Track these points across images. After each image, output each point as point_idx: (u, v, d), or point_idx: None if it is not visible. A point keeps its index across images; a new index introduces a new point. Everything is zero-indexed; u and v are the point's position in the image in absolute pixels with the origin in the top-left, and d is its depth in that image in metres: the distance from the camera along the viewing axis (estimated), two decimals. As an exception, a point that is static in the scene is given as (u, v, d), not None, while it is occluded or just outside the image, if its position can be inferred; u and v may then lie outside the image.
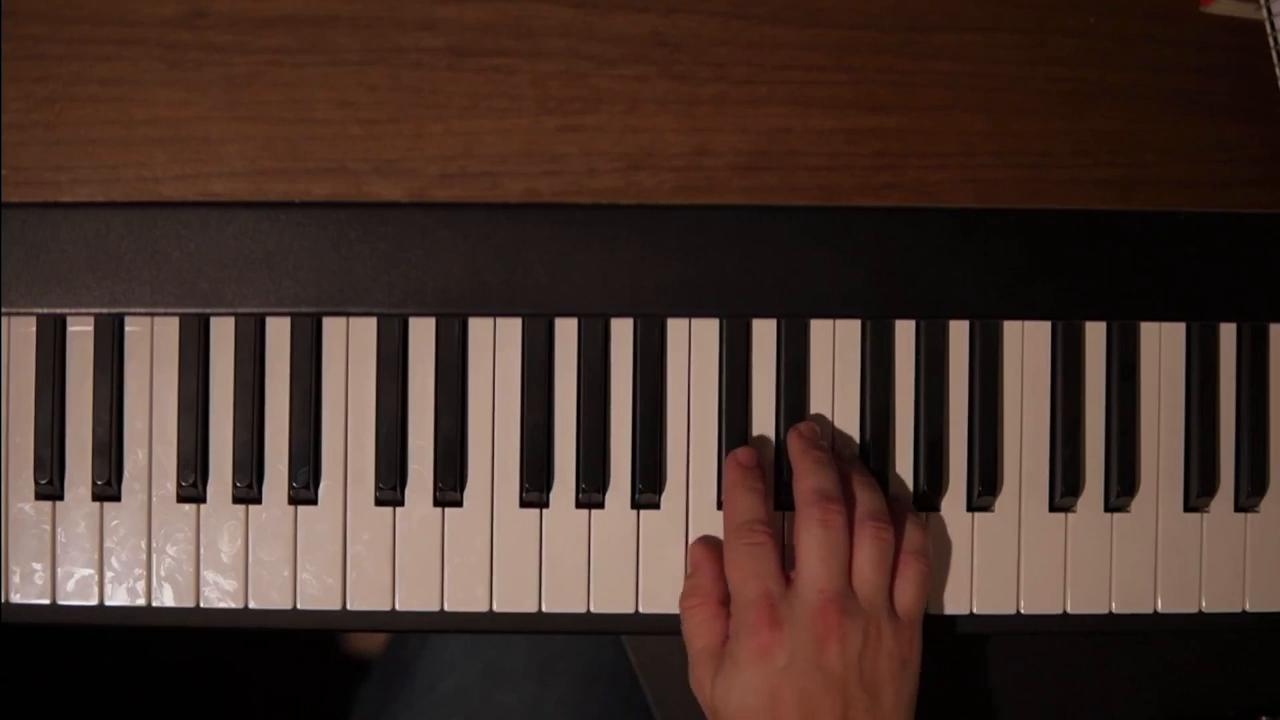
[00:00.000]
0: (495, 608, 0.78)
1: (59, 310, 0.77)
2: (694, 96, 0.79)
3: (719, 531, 0.78)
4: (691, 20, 0.79)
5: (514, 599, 0.78)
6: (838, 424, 0.79)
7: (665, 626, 0.78)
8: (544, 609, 0.78)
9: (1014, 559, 0.79)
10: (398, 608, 0.77)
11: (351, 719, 0.85)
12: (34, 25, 0.77)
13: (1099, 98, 0.80)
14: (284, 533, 0.78)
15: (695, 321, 0.79)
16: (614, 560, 0.78)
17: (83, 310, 0.77)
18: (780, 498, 0.78)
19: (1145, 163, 0.80)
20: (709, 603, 0.74)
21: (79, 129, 0.77)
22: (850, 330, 0.79)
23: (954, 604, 0.79)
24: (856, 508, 0.74)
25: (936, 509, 0.79)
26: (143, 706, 0.84)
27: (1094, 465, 0.79)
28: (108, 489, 0.77)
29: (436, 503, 0.78)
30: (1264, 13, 0.78)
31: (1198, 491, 0.79)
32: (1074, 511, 0.79)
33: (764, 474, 0.76)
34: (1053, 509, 0.79)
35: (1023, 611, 0.79)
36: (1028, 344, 0.80)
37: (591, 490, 0.78)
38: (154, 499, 0.77)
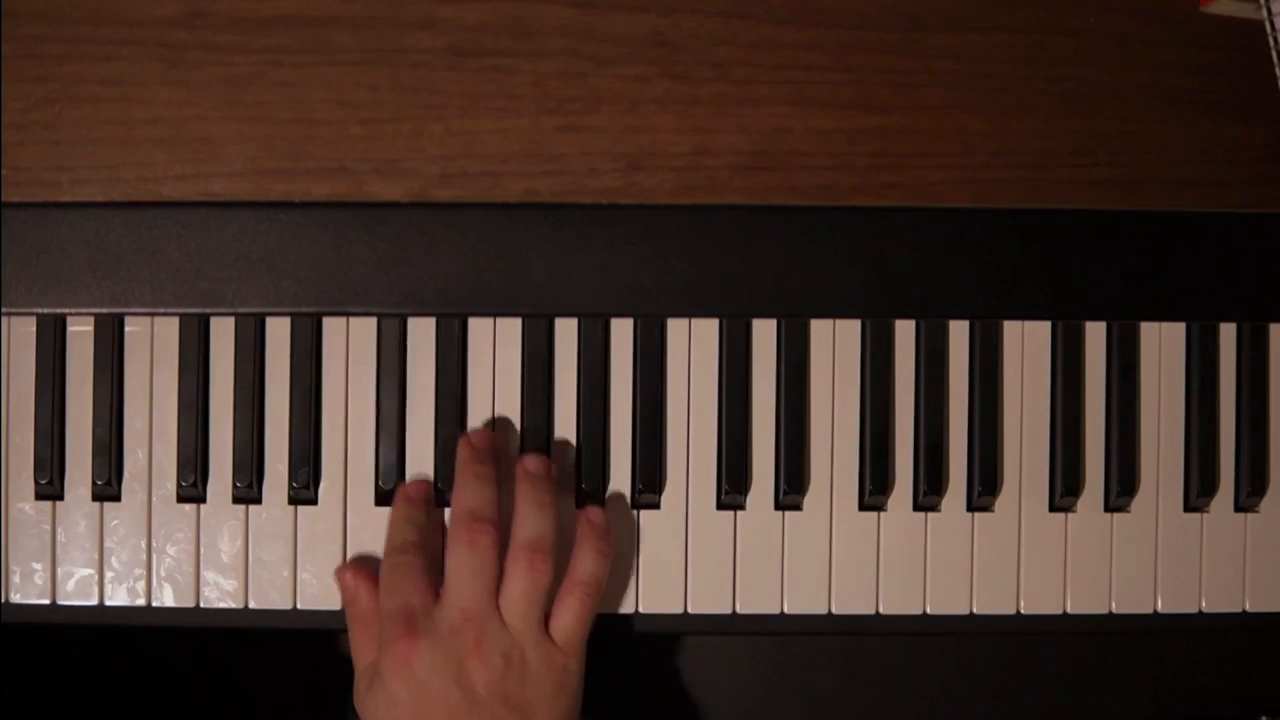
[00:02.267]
0: (495, 608, 0.78)
1: (59, 310, 0.77)
2: (694, 96, 0.79)
3: (719, 531, 0.78)
4: (691, 20, 0.79)
5: (514, 599, 0.78)
6: (838, 424, 0.79)
7: (665, 626, 0.78)
8: (544, 609, 0.78)
9: (1014, 559, 0.79)
10: (398, 608, 0.77)
11: (351, 719, 0.85)
12: (34, 25, 0.77)
13: (1099, 98, 0.80)
14: (284, 533, 0.78)
15: (695, 321, 0.79)
16: (613, 560, 0.78)
17: (83, 310, 0.77)
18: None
19: (1145, 163, 0.80)
20: (371, 623, 0.74)
21: (79, 129, 0.77)
22: (850, 330, 0.79)
23: (954, 604, 0.79)
24: (517, 534, 0.74)
25: (937, 509, 0.79)
26: (143, 706, 0.84)
27: (1094, 465, 0.79)
28: (108, 489, 0.77)
29: (436, 503, 0.78)
30: (1264, 13, 0.78)
31: (1198, 491, 0.79)
32: (1074, 511, 0.79)
33: (430, 505, 0.76)
34: (1053, 509, 0.79)
35: (1023, 611, 0.79)
36: (1028, 344, 0.80)
37: (591, 490, 0.78)
38: (154, 499, 0.77)
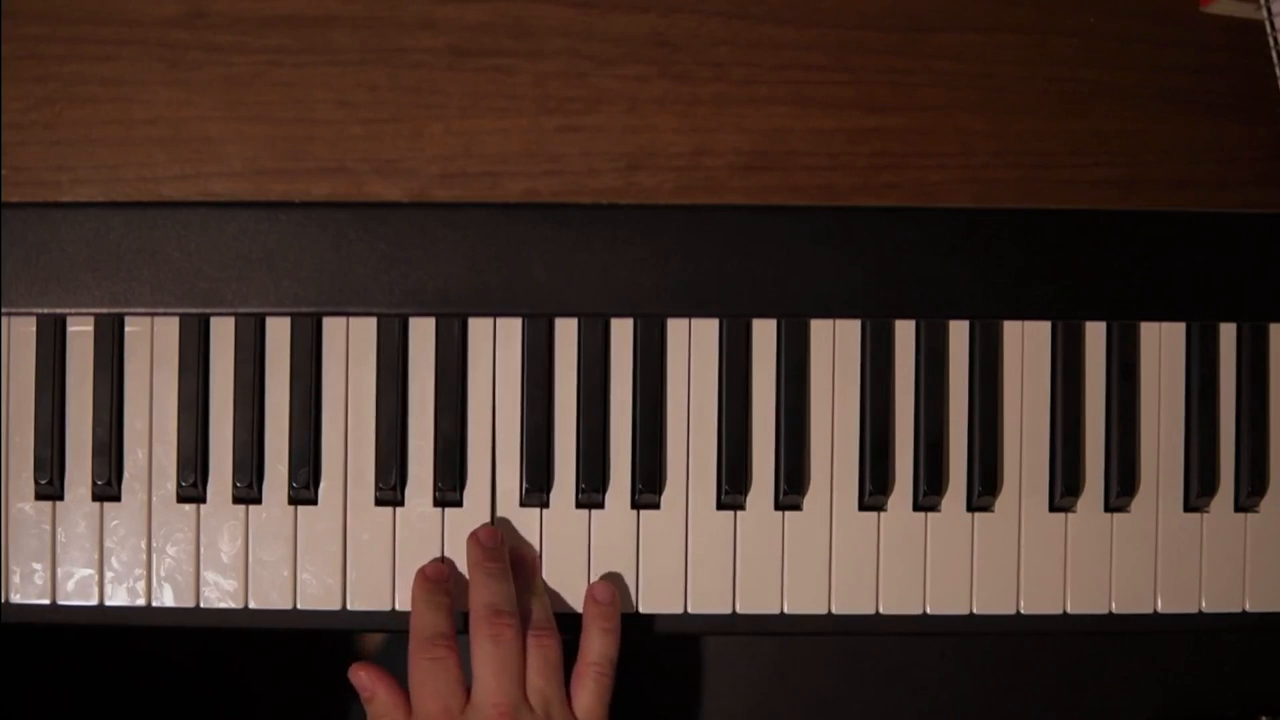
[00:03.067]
0: (495, 608, 0.78)
1: (59, 310, 0.77)
2: (694, 96, 0.79)
3: (719, 531, 0.78)
4: (691, 20, 0.79)
5: (514, 599, 0.78)
6: (838, 424, 0.79)
7: (664, 627, 0.78)
8: (544, 609, 0.78)
9: (1014, 559, 0.79)
10: (397, 608, 0.77)
11: (351, 719, 0.85)
12: (34, 25, 0.77)
13: (1099, 98, 0.80)
14: (284, 533, 0.78)
15: (695, 321, 0.79)
16: (613, 560, 0.78)
17: (83, 310, 0.77)
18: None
19: (1145, 163, 0.80)
20: (397, 714, 0.75)
21: (79, 129, 0.77)
22: (850, 330, 0.79)
23: (954, 604, 0.79)
24: (527, 620, 0.75)
25: (937, 509, 0.79)
26: (143, 707, 0.84)
27: (1094, 465, 0.79)
28: (108, 489, 0.77)
29: (436, 503, 0.78)
30: (1264, 13, 0.78)
31: (1198, 491, 0.79)
32: (1074, 511, 0.79)
33: (450, 586, 0.77)
34: (1053, 509, 0.79)
35: (1023, 611, 0.79)
36: (1028, 344, 0.80)
37: (591, 490, 0.78)
38: (154, 499, 0.77)
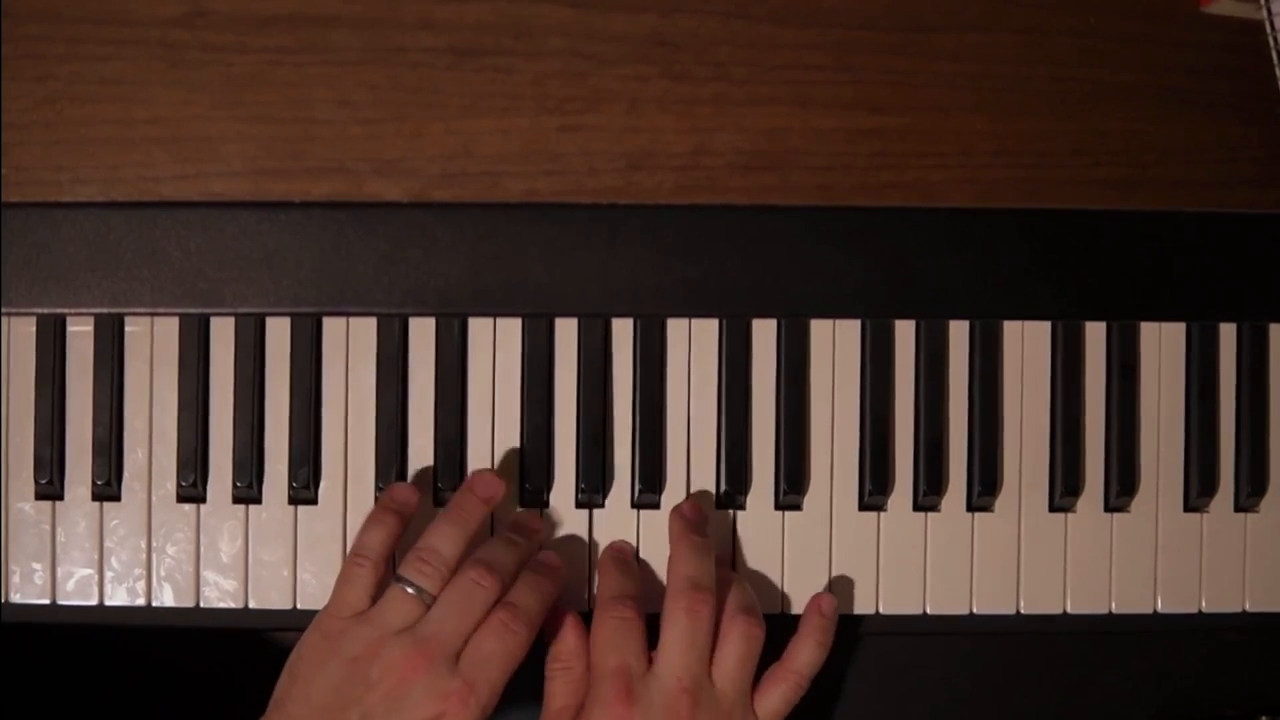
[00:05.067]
0: (495, 608, 0.78)
1: (59, 310, 0.77)
2: (694, 96, 0.79)
3: (719, 531, 0.78)
4: (691, 20, 0.79)
5: (514, 599, 0.78)
6: (838, 424, 0.79)
7: (665, 626, 0.78)
8: (544, 609, 0.78)
9: (1014, 559, 0.79)
10: (398, 608, 0.77)
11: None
12: (34, 25, 0.77)
13: (1099, 98, 0.80)
14: (284, 533, 0.78)
15: (695, 321, 0.79)
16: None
17: (83, 310, 0.77)
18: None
19: (1145, 163, 0.80)
20: (577, 665, 0.74)
21: (79, 129, 0.77)
22: (850, 330, 0.79)
23: (954, 604, 0.79)
24: (731, 601, 0.74)
25: (937, 509, 0.79)
26: (143, 707, 0.84)
27: (1094, 465, 0.79)
28: (108, 489, 0.77)
29: (437, 503, 0.78)
30: (1264, 13, 0.78)
31: (1198, 491, 0.79)
32: (1074, 511, 0.79)
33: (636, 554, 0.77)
34: (1053, 509, 0.79)
35: (1023, 611, 0.79)
36: (1028, 344, 0.80)
37: (591, 490, 0.78)
38: (154, 499, 0.77)
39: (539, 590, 0.72)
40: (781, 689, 0.73)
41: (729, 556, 0.78)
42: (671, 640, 0.72)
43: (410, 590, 0.70)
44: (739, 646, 0.72)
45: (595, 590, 0.77)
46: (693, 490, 0.78)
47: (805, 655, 0.74)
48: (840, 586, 0.78)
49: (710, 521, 0.78)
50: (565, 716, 0.73)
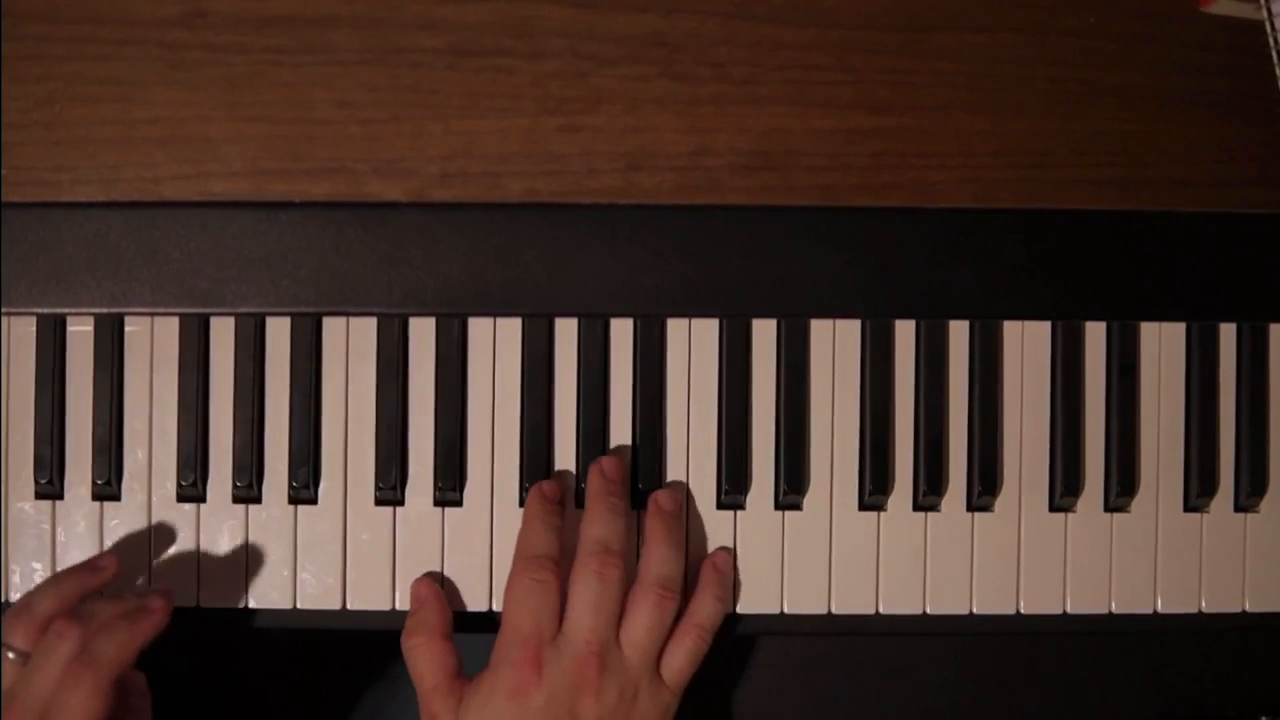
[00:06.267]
0: (495, 607, 0.78)
1: (59, 310, 0.77)
2: (694, 96, 0.79)
3: (719, 531, 0.78)
4: (691, 20, 0.79)
5: (514, 599, 0.78)
6: (838, 424, 0.79)
7: (665, 626, 0.78)
8: (544, 609, 0.78)
9: (1014, 559, 0.79)
10: (397, 607, 0.77)
11: (351, 719, 0.85)
12: (34, 25, 0.77)
13: (1099, 98, 0.80)
14: (284, 533, 0.78)
15: (695, 321, 0.79)
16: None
17: (83, 310, 0.77)
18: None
19: (1145, 163, 0.80)
20: (435, 638, 0.74)
21: (79, 129, 0.77)
22: (850, 330, 0.79)
23: (954, 604, 0.79)
24: (648, 567, 0.74)
25: (937, 509, 0.79)
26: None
27: (1094, 465, 0.79)
28: (108, 489, 0.77)
29: (436, 502, 0.78)
30: (1264, 13, 0.78)
31: (1198, 491, 0.79)
32: (1074, 511, 0.79)
33: (564, 508, 0.76)
34: (1053, 509, 0.79)
35: (1023, 611, 0.79)
36: (1028, 344, 0.80)
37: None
38: (154, 499, 0.77)
39: (117, 637, 0.69)
40: (685, 644, 0.74)
41: (729, 556, 0.78)
42: (580, 601, 0.73)
43: (10, 655, 0.69)
44: (648, 614, 0.73)
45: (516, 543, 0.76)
46: (692, 490, 0.78)
47: (706, 609, 0.75)
48: (840, 586, 0.78)
49: (711, 522, 0.78)
50: (443, 692, 0.73)
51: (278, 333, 0.78)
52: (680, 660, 0.74)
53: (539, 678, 0.71)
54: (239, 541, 0.77)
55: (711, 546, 0.78)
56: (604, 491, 0.75)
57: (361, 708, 0.81)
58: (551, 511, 0.75)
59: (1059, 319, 0.79)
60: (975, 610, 0.79)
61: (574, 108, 0.78)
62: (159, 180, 0.78)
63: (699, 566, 0.77)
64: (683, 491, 0.78)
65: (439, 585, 0.76)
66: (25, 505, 0.77)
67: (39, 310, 0.77)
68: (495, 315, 0.78)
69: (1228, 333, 0.80)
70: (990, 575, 0.79)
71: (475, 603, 0.78)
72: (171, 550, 0.77)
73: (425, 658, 0.74)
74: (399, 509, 0.78)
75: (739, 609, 0.78)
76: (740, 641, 0.86)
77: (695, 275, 0.78)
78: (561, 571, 0.74)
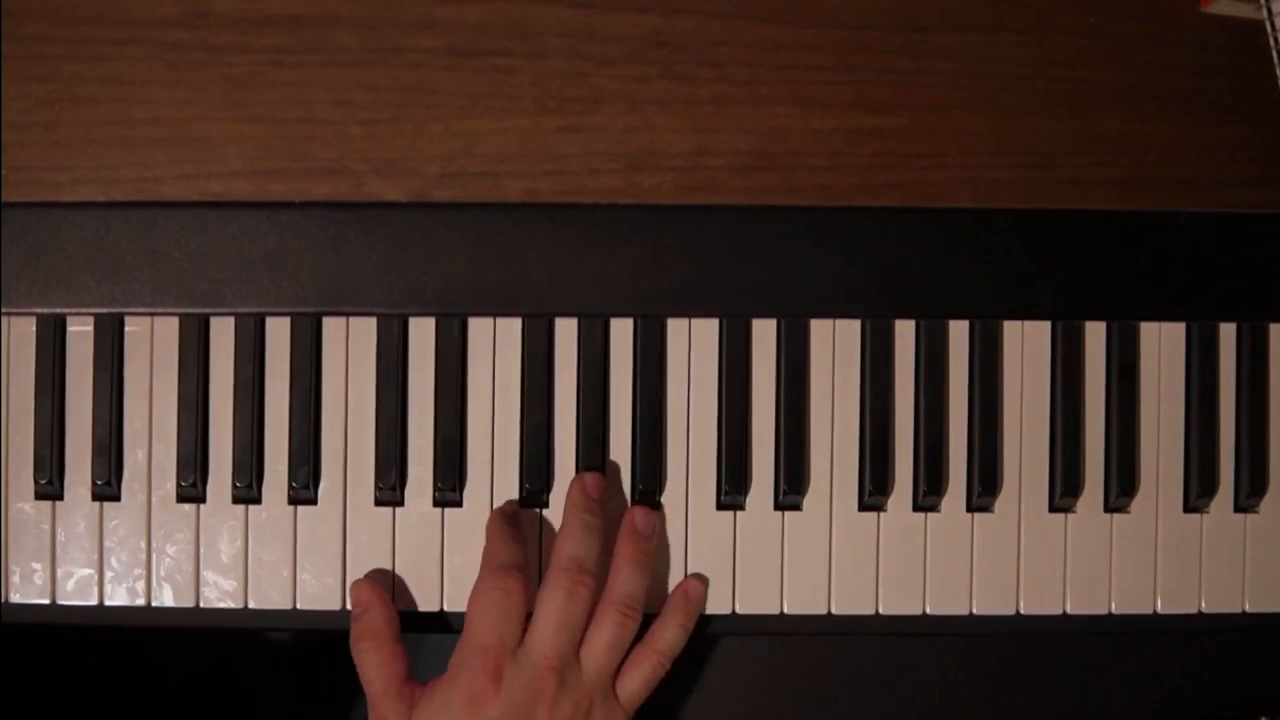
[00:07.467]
0: (495, 608, 0.78)
1: (59, 310, 0.77)
2: (694, 96, 0.79)
3: (719, 531, 0.78)
4: (691, 20, 0.79)
5: (514, 599, 0.78)
6: (838, 424, 0.79)
7: (665, 626, 0.78)
8: (544, 609, 0.78)
9: (1014, 559, 0.79)
10: (397, 607, 0.77)
11: (351, 719, 0.85)
12: (34, 25, 0.77)
13: (1099, 98, 0.80)
14: (284, 533, 0.78)
15: (695, 321, 0.79)
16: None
17: (83, 310, 0.77)
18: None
19: (1145, 163, 0.80)
20: (385, 643, 0.74)
21: (79, 129, 0.78)
22: (850, 330, 0.79)
23: (954, 604, 0.79)
24: (613, 586, 0.74)
25: (936, 509, 0.79)
26: (143, 707, 0.85)
27: (1094, 465, 0.79)
28: (108, 489, 0.77)
29: (436, 503, 0.78)
30: (1264, 13, 0.78)
31: (1197, 492, 0.79)
32: (1074, 512, 0.79)
33: (527, 524, 0.77)
34: (1053, 509, 0.79)
35: (1023, 611, 0.79)
36: (1028, 344, 0.80)
37: (591, 490, 0.78)
38: (154, 499, 0.77)
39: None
40: (643, 669, 0.75)
41: (729, 557, 0.78)
42: (546, 616, 0.73)
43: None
44: (609, 633, 0.73)
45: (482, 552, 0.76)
46: (692, 490, 0.78)
47: (668, 635, 0.75)
48: (840, 587, 0.78)
49: (711, 522, 0.78)
50: (392, 697, 0.73)
51: (278, 333, 0.78)
52: (636, 684, 0.75)
53: (497, 689, 0.71)
54: (239, 541, 0.77)
55: (712, 547, 0.78)
56: (582, 508, 0.76)
57: (361, 707, 0.81)
58: (515, 525, 0.76)
59: (1059, 319, 0.79)
60: (975, 611, 0.79)
61: (574, 108, 0.78)
62: (159, 180, 0.78)
63: (683, 582, 0.77)
64: (657, 515, 0.78)
65: (382, 586, 0.76)
66: (25, 505, 0.77)
67: (39, 310, 0.77)
68: (495, 315, 0.78)
69: (1228, 333, 0.80)
70: (990, 576, 0.79)
71: (475, 603, 0.78)
72: (171, 551, 0.77)
73: (374, 661, 0.74)
74: (399, 509, 0.78)
75: (738, 609, 0.78)
76: (740, 642, 0.86)
77: (695, 275, 0.78)
78: (527, 581, 0.74)
